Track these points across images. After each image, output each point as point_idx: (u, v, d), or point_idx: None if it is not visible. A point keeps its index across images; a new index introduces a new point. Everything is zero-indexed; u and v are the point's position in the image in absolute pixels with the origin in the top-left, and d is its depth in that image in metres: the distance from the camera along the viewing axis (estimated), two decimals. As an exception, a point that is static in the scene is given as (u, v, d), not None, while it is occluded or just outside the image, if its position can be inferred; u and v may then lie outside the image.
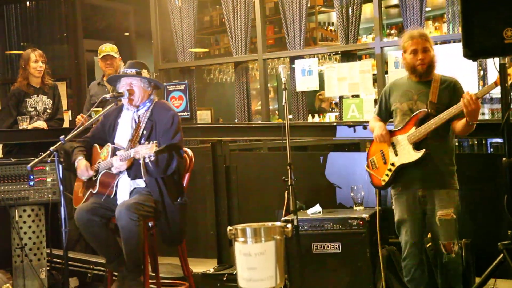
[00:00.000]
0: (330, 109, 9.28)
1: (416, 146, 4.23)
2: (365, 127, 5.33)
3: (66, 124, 7.06)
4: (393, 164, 4.32)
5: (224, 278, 5.03)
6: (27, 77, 6.23)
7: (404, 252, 4.32)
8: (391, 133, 4.36)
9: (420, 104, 4.26)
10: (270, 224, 2.93)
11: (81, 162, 4.38)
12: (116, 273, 4.32)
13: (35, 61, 6.16)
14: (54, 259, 5.12)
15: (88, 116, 5.49)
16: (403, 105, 4.33)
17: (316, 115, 8.68)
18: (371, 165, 4.48)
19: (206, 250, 5.94)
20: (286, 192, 4.95)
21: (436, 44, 6.68)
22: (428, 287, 4.38)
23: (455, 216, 4.20)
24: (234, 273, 4.92)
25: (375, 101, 7.25)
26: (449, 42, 6.91)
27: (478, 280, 4.48)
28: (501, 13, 3.52)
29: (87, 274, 5.35)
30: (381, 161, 4.40)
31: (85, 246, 5.88)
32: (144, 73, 4.37)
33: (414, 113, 4.26)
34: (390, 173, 4.33)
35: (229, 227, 2.92)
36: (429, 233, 4.46)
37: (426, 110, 4.22)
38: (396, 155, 4.31)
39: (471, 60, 3.79)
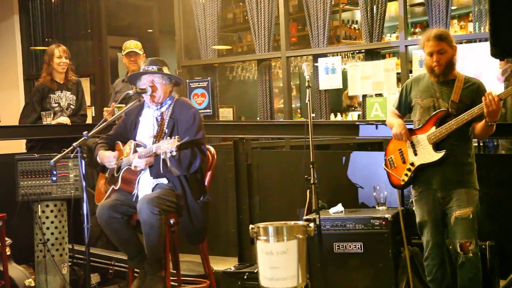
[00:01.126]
0: (353, 108, 9.23)
1: (436, 146, 4.19)
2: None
3: (89, 120, 7.08)
4: (412, 164, 4.29)
5: (245, 277, 5.01)
6: (51, 73, 6.25)
7: (425, 252, 4.29)
8: (410, 132, 4.31)
9: (442, 102, 4.22)
10: (292, 223, 2.90)
11: (103, 153, 4.38)
12: (137, 270, 4.31)
13: (59, 57, 6.19)
14: (76, 255, 5.13)
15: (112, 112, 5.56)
16: (424, 102, 4.28)
17: (339, 114, 8.65)
18: (390, 164, 4.45)
19: (227, 248, 5.92)
20: (308, 191, 4.96)
21: (461, 43, 6.66)
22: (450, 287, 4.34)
23: (471, 216, 4.15)
24: (256, 271, 4.96)
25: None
26: (475, 41, 6.84)
27: (502, 283, 4.49)
28: (530, 11, 3.45)
29: (109, 270, 5.36)
30: (399, 160, 4.37)
31: (106, 242, 5.89)
32: (165, 70, 4.36)
33: (434, 112, 4.21)
34: (409, 173, 4.30)
35: (251, 225, 2.90)
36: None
37: (446, 109, 4.17)
38: (416, 154, 4.27)
39: (498, 60, 3.71)
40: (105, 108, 6.27)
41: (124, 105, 6.00)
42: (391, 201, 4.97)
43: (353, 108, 9.20)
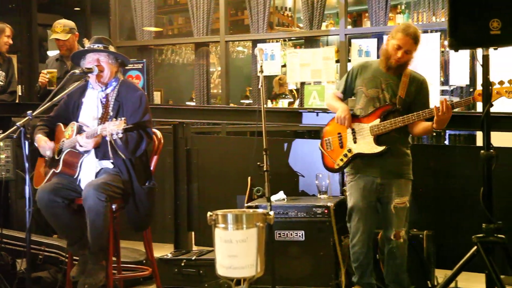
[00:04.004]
0: (284, 95, 9.22)
1: (377, 138, 4.21)
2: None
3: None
4: (350, 151, 4.30)
5: (182, 264, 4.91)
6: None
7: (353, 238, 4.30)
8: (353, 119, 4.30)
9: (386, 94, 4.24)
10: (251, 211, 2.83)
11: (39, 139, 4.20)
12: (77, 257, 4.15)
13: (8, 36, 6.03)
14: (4, 240, 4.90)
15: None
16: (369, 91, 4.28)
17: (269, 101, 8.60)
18: (326, 145, 4.42)
19: (163, 235, 5.80)
20: (249, 177, 4.91)
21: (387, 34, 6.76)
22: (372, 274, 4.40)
23: (408, 205, 4.23)
24: (193, 258, 4.89)
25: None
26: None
27: (438, 272, 4.56)
28: (488, 3, 3.49)
29: (38, 256, 5.16)
30: (337, 143, 4.36)
31: (36, 227, 5.67)
32: (111, 48, 4.21)
33: (381, 105, 4.23)
34: (345, 159, 4.31)
35: (209, 213, 2.80)
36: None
37: (394, 104, 4.20)
38: (355, 142, 4.28)
39: (453, 51, 3.74)
40: (42, 71, 6.05)
41: (55, 70, 5.87)
42: (332, 189, 4.98)
43: (283, 96, 9.17)
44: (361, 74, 4.36)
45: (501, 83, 3.76)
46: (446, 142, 7.09)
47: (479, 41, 3.55)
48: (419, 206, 4.65)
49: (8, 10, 9.14)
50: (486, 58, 3.61)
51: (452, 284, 4.24)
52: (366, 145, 4.23)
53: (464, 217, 4.73)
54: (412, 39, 4.15)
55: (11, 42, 6.15)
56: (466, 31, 3.51)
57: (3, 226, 4.87)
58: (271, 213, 2.74)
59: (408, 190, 4.26)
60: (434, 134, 6.95)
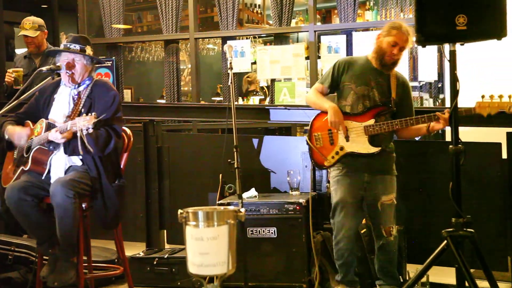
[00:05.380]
0: (255, 93, 9.23)
1: (371, 138, 4.20)
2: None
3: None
4: (342, 149, 4.26)
5: (155, 262, 4.89)
6: None
7: (338, 235, 4.28)
8: (344, 116, 4.24)
9: (376, 92, 4.23)
10: (222, 208, 2.82)
11: (12, 129, 4.13)
12: (46, 256, 4.10)
13: None
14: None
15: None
16: (358, 89, 4.25)
17: (240, 98, 8.60)
18: (315, 140, 4.34)
19: (134, 233, 5.75)
20: (220, 175, 4.90)
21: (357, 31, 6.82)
22: (359, 272, 4.42)
23: (395, 202, 4.26)
24: (166, 256, 4.88)
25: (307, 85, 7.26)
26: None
27: (409, 266, 4.61)
28: (454, -1, 3.53)
29: (8, 256, 5.09)
30: (327, 140, 4.30)
31: (4, 226, 5.61)
32: (88, 49, 4.18)
33: (376, 106, 4.22)
34: (336, 157, 4.27)
35: (179, 210, 2.79)
36: (364, 219, 4.48)
37: (390, 106, 4.21)
38: (347, 140, 4.23)
39: (420, 46, 3.77)
40: (8, 70, 5.96)
41: (21, 68, 5.80)
42: (303, 186, 4.99)
43: (254, 93, 9.18)
44: (350, 70, 4.31)
45: (500, 96, 3.80)
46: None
47: (446, 36, 3.58)
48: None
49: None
50: (453, 54, 3.64)
51: (424, 279, 4.29)
52: (360, 144, 4.20)
53: (435, 211, 4.77)
54: (407, 36, 4.17)
55: None
56: (432, 27, 3.54)
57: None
58: (242, 210, 2.73)
59: (394, 186, 4.28)
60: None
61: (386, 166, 4.28)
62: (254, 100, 8.68)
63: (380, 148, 4.19)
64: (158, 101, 9.30)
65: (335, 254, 4.34)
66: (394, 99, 4.23)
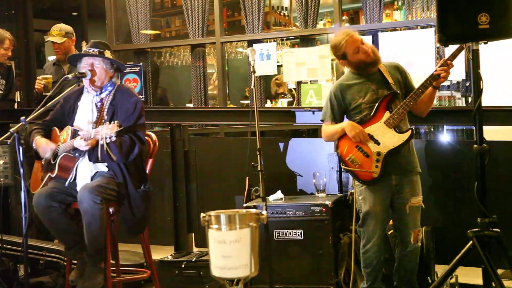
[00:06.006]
0: (283, 95, 9.24)
1: (396, 128, 4.13)
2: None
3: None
4: (379, 154, 4.13)
5: (183, 266, 4.93)
6: None
7: (368, 243, 4.22)
8: (362, 126, 4.17)
9: (381, 91, 4.18)
10: (244, 211, 2.84)
11: (39, 141, 4.21)
12: (75, 261, 4.17)
13: (6, 48, 6.02)
14: (5, 245, 4.92)
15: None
16: (366, 99, 4.19)
17: (268, 101, 8.62)
18: (352, 164, 4.20)
19: (163, 237, 5.81)
20: (247, 178, 4.92)
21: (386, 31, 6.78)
22: (387, 274, 4.40)
23: (423, 206, 4.22)
24: (194, 260, 4.91)
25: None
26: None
27: (438, 267, 4.57)
28: (476, -2, 3.50)
29: (39, 261, 5.18)
30: (361, 156, 4.17)
31: (36, 232, 5.70)
32: (107, 53, 4.22)
33: (381, 98, 4.14)
34: (380, 164, 4.13)
35: (202, 214, 2.81)
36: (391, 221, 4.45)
37: (392, 91, 4.14)
38: (378, 144, 4.13)
39: (442, 46, 3.76)
40: (37, 77, 6.06)
41: (50, 76, 5.88)
42: (329, 187, 4.98)
43: (282, 95, 9.19)
44: (348, 92, 4.24)
45: None
46: (443, 137, 7.08)
47: (468, 36, 3.56)
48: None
49: (4, 16, 9.16)
50: (476, 53, 3.61)
51: (453, 279, 4.25)
52: (391, 139, 4.11)
53: (462, 211, 4.73)
54: (355, 35, 4.18)
55: (9, 54, 6.11)
56: (455, 26, 3.52)
57: (4, 232, 4.89)
58: (264, 212, 2.75)
59: (420, 186, 4.21)
60: (432, 129, 6.95)
61: (411, 163, 4.21)
62: (282, 103, 8.70)
63: (410, 130, 4.13)
64: (187, 105, 9.38)
65: (363, 262, 4.29)
66: (394, 83, 4.19)
